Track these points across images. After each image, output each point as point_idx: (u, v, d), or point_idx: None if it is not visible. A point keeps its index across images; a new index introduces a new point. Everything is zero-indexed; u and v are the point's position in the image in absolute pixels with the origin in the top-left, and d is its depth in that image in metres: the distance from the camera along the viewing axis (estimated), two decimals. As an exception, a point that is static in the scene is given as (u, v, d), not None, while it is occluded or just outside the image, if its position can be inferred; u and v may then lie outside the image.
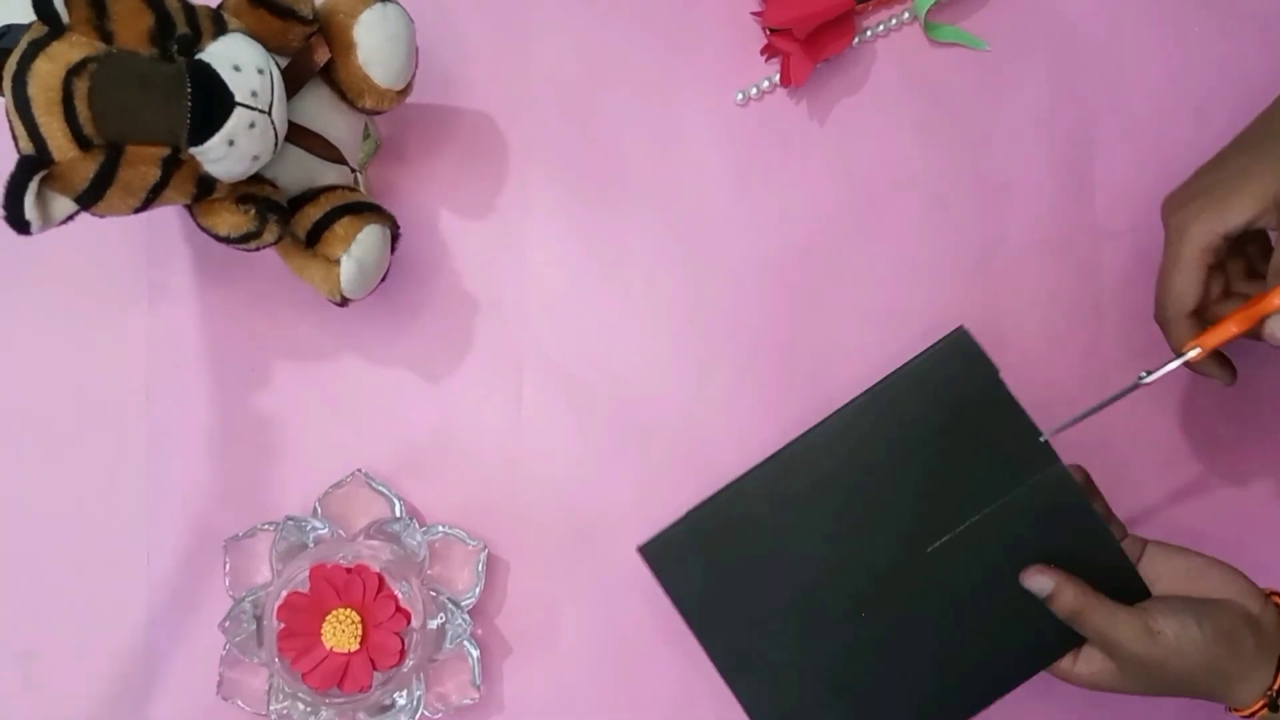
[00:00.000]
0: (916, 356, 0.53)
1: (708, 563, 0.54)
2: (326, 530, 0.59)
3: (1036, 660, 0.53)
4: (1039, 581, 0.52)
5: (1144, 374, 0.50)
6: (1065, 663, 0.53)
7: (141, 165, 0.46)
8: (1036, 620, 0.52)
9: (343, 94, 0.54)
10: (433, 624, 0.59)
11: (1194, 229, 0.52)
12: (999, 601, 0.53)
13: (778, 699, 0.54)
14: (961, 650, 0.54)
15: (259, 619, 0.58)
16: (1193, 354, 0.50)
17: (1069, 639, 0.52)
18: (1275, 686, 0.50)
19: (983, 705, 0.54)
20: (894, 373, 0.53)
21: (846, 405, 0.53)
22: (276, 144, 0.49)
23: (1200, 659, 0.50)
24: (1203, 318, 0.53)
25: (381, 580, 0.56)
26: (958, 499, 0.53)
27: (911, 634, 0.53)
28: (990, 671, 0.54)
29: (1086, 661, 0.52)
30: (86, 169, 0.45)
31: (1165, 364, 0.51)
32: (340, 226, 0.53)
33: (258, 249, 0.52)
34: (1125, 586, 0.52)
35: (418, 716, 0.58)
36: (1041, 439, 0.52)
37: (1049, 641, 0.52)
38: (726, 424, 0.63)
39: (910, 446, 0.53)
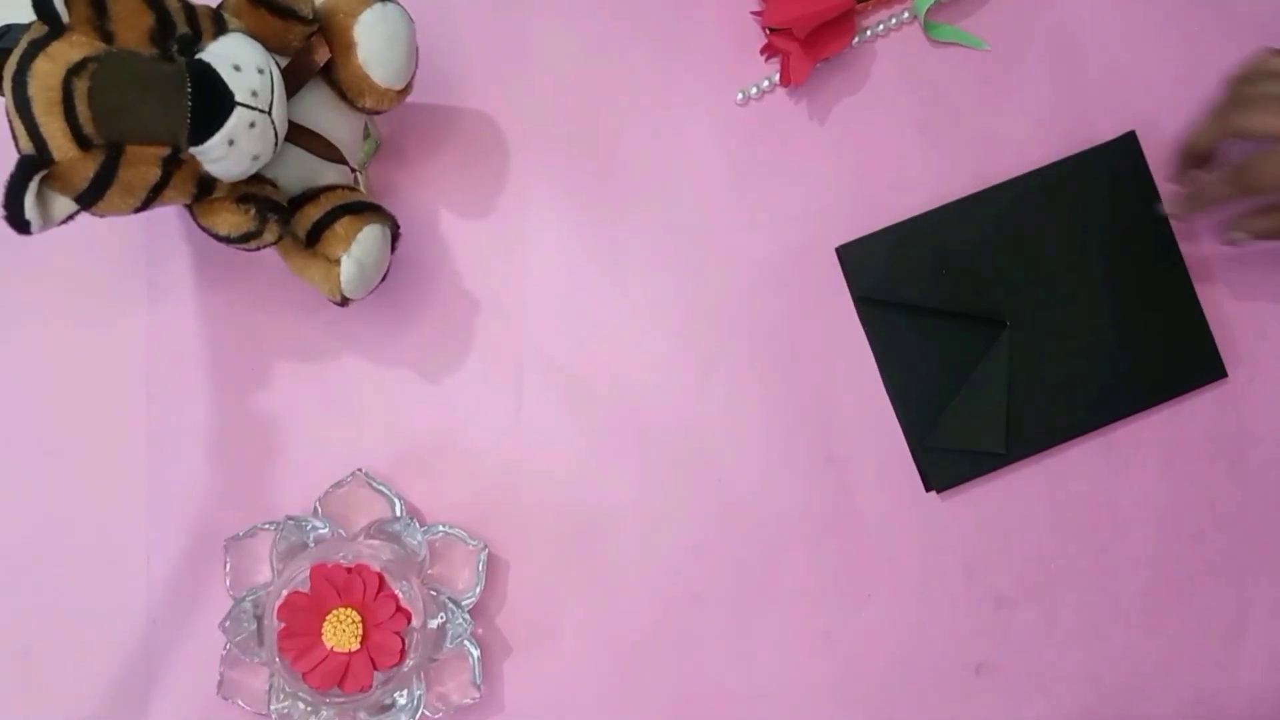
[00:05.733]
0: (1083, 151, 0.63)
1: (886, 270, 0.62)
2: (327, 530, 0.59)
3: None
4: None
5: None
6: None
7: (142, 165, 0.46)
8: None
9: (343, 94, 0.54)
10: (433, 623, 0.59)
11: (1254, 91, 0.54)
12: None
13: (920, 387, 0.63)
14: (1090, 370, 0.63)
15: (259, 619, 0.58)
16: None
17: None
18: None
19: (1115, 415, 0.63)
20: (1058, 161, 0.63)
21: (1016, 178, 0.63)
22: (277, 144, 0.49)
23: None
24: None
25: (382, 580, 0.56)
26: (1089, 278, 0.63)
27: (1046, 352, 0.63)
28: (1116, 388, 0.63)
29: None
30: (87, 169, 0.45)
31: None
32: (340, 226, 0.53)
33: (258, 249, 0.52)
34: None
35: (418, 716, 0.58)
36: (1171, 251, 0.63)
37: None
38: (726, 424, 0.63)
39: (1058, 222, 0.63)
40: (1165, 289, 0.63)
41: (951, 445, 0.62)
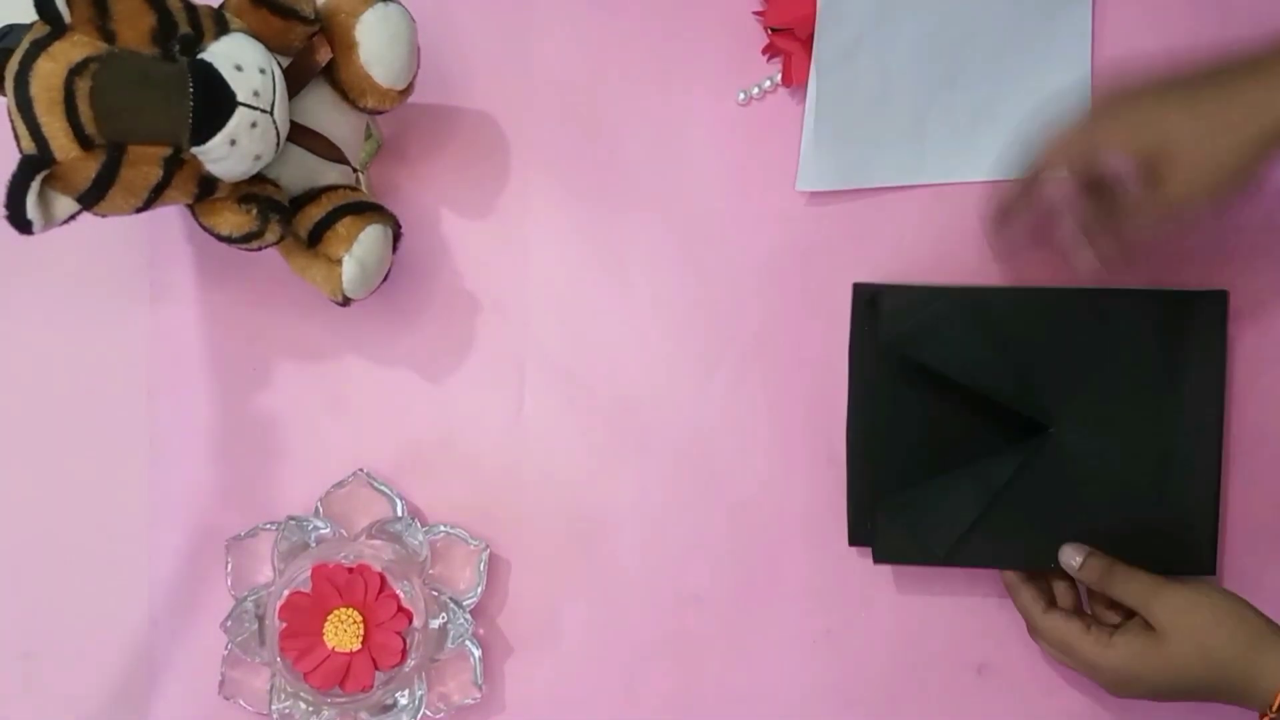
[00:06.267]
0: (1172, 291, 0.59)
1: (927, 329, 0.59)
2: (328, 530, 0.59)
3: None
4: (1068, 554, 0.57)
5: None
6: (1092, 646, 0.54)
7: (143, 165, 0.46)
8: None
9: (344, 94, 0.54)
10: (434, 624, 0.59)
11: (1068, 138, 0.52)
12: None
13: (890, 452, 0.59)
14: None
15: (261, 618, 0.58)
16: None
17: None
18: None
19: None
20: (1145, 290, 0.59)
21: (1095, 290, 0.59)
22: (278, 144, 0.49)
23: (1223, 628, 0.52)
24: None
25: (383, 580, 0.56)
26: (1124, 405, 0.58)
27: (1065, 473, 0.58)
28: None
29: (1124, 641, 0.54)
30: (88, 168, 0.45)
31: None
32: (342, 226, 0.53)
33: (259, 249, 0.52)
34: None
35: (419, 716, 0.58)
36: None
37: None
38: (727, 424, 0.63)
39: (1120, 352, 0.59)
40: (1194, 465, 0.59)
41: (897, 526, 0.59)
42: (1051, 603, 0.58)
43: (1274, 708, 0.51)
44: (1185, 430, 0.58)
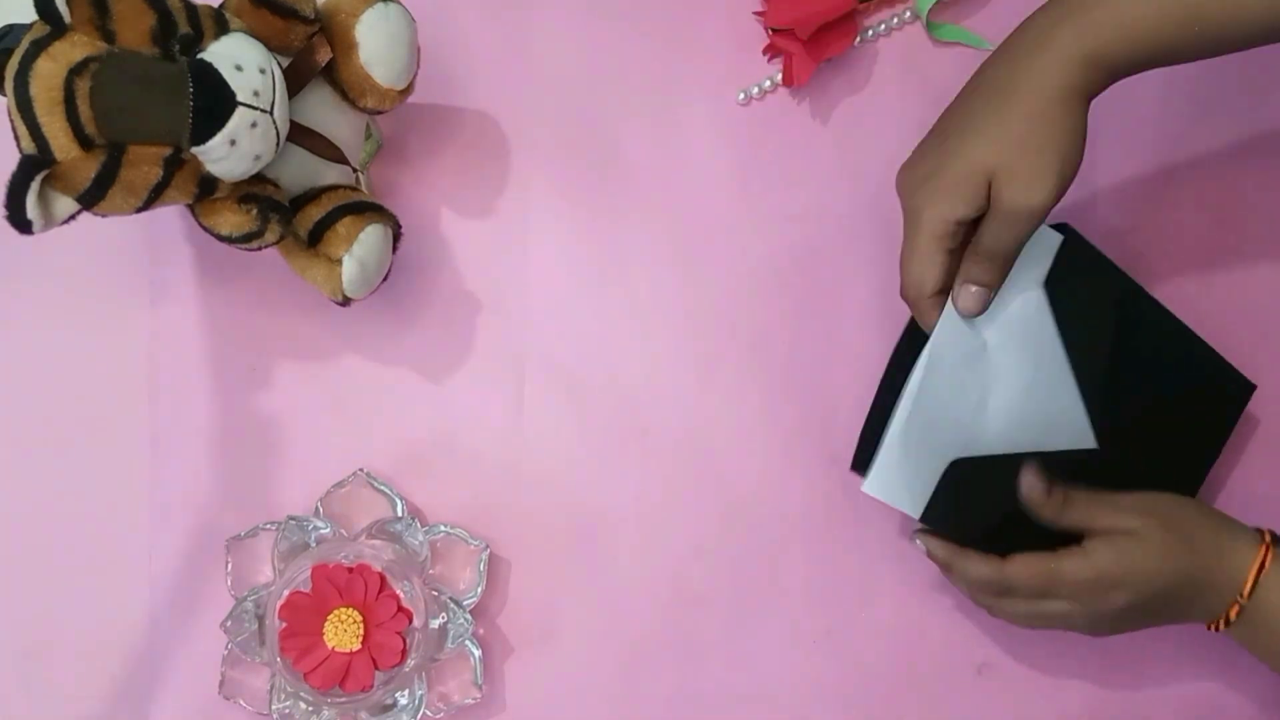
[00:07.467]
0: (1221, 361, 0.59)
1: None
2: (328, 530, 0.59)
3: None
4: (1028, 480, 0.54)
5: None
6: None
7: (143, 165, 0.46)
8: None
9: (344, 94, 0.54)
10: (434, 623, 0.59)
11: (926, 215, 0.51)
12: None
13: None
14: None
15: (261, 618, 0.58)
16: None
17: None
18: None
19: None
20: (1208, 349, 0.59)
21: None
22: (278, 144, 0.49)
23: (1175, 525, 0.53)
24: (948, 295, 0.54)
25: (383, 580, 0.56)
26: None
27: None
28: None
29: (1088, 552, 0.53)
30: (88, 168, 0.45)
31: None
32: (342, 226, 0.53)
33: (259, 249, 0.52)
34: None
35: (419, 716, 0.58)
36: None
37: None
38: (727, 424, 0.63)
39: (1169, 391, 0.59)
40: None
41: (900, 469, 0.57)
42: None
43: (1245, 593, 0.52)
44: (1178, 479, 0.58)
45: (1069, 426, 0.57)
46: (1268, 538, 0.53)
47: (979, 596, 0.57)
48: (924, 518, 0.57)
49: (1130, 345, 0.57)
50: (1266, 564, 0.52)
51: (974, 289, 0.53)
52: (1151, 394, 0.58)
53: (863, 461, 0.59)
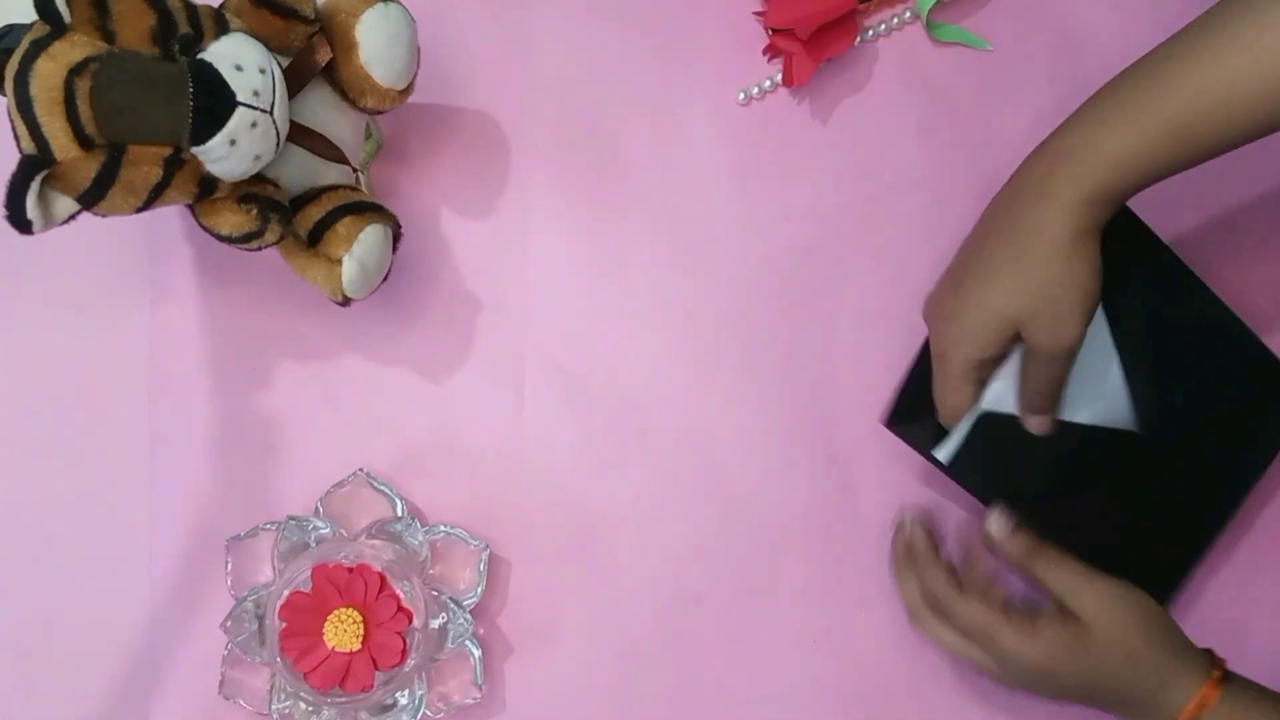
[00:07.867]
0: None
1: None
2: (328, 530, 0.59)
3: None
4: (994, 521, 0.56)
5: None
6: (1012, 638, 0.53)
7: (143, 165, 0.46)
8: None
9: (344, 94, 0.54)
10: (434, 623, 0.59)
11: (952, 355, 0.53)
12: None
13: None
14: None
15: (261, 618, 0.58)
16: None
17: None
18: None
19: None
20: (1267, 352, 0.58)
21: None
22: (278, 144, 0.49)
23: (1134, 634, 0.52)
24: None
25: (383, 580, 0.56)
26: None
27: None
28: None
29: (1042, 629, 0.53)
30: (88, 168, 0.45)
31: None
32: (342, 226, 0.53)
33: (259, 249, 0.52)
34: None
35: (419, 716, 0.58)
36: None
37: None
38: (727, 424, 0.63)
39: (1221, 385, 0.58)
40: (1206, 515, 0.59)
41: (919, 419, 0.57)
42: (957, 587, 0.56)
43: None
44: (1223, 482, 0.58)
45: (1107, 399, 0.57)
46: (1216, 674, 0.52)
47: (916, 604, 0.57)
48: (952, 467, 0.57)
49: (1178, 329, 0.57)
50: (1211, 702, 0.51)
51: (1038, 418, 0.55)
52: (1199, 386, 0.58)
53: (903, 416, 0.58)
